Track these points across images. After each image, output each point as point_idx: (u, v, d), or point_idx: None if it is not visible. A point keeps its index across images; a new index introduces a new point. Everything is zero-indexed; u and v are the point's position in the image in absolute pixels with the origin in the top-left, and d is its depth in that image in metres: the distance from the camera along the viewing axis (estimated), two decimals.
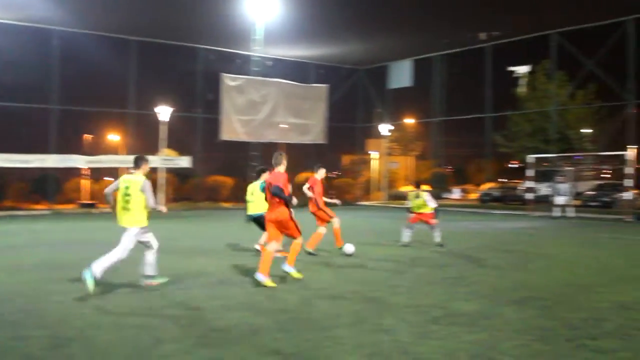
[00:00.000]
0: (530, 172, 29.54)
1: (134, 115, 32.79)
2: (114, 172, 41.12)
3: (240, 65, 34.38)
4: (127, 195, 8.78)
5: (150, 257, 9.12)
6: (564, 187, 26.47)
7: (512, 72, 34.05)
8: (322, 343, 6.13)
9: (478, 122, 35.61)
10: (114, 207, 9.01)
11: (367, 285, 9.37)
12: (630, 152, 26.59)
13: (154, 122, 31.72)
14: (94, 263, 8.49)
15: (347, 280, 9.81)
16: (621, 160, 26.98)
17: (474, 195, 48.10)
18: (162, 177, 31.88)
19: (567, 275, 10.60)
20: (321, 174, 13.50)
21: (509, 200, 38.62)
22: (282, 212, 9.67)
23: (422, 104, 41.86)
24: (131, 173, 9.03)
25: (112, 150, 39.11)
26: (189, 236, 17.70)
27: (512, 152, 38.38)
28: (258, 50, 32.09)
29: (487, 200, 39.32)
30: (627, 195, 26.85)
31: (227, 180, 37.24)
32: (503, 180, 50.34)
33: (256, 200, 12.36)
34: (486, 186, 42.96)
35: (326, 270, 10.89)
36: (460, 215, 25.23)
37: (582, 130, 35.50)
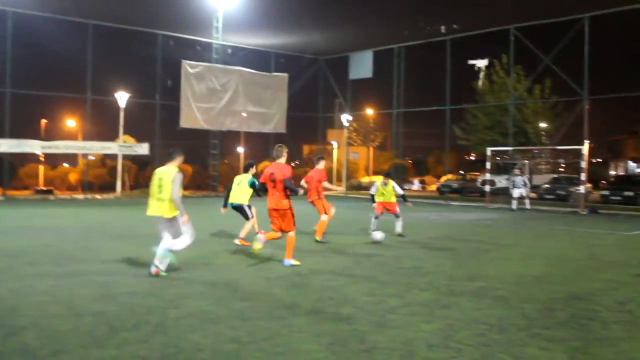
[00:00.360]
0: (488, 165, 29.95)
1: (92, 101, 32.24)
2: (72, 158, 40.50)
3: (200, 52, 34.08)
4: (160, 186, 9.08)
5: (177, 242, 9.20)
6: (521, 179, 26.90)
7: (471, 65, 34.43)
8: (281, 332, 6.13)
9: (438, 115, 35.94)
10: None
11: (325, 275, 9.40)
12: (585, 147, 27.16)
13: (113, 108, 31.27)
14: (164, 252, 8.91)
15: (307, 270, 9.81)
16: (576, 154, 27.53)
17: (433, 187, 48.63)
18: (120, 164, 31.47)
19: (522, 266, 10.78)
20: (322, 165, 14.33)
21: (467, 192, 39.14)
22: (283, 203, 10.26)
23: (382, 95, 42.10)
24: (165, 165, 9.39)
25: (69, 136, 38.48)
26: (147, 223, 17.48)
27: (470, 144, 38.91)
28: (219, 38, 31.87)
29: (446, 192, 39.72)
30: (582, 188, 27.42)
31: (187, 168, 36.95)
32: (462, 172, 50.98)
33: (240, 190, 12.87)
34: (445, 178, 43.48)
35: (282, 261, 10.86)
36: (419, 207, 25.41)
37: (539, 125, 36.11)
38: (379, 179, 15.52)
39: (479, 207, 28.08)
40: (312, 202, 14.36)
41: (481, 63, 33.94)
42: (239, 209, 13.04)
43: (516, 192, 26.58)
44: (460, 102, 36.37)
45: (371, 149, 61.14)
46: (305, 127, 44.46)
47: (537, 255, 12.32)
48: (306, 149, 60.75)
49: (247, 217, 12.96)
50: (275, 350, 5.54)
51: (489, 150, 30.07)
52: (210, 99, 33.10)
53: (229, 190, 13.23)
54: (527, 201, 26.73)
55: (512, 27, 30.10)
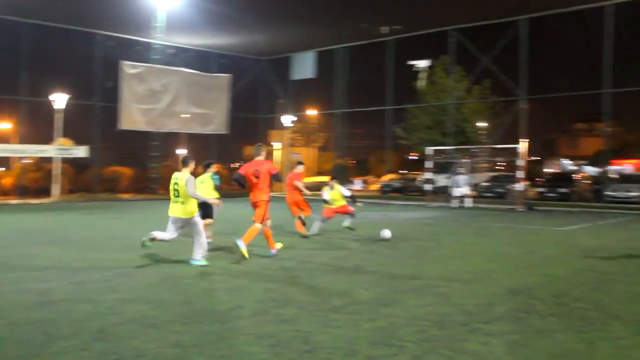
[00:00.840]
0: (428, 164, 30.37)
1: (27, 103, 31.38)
2: (6, 162, 39.28)
3: (140, 52, 33.52)
4: (176, 190, 10.25)
5: (165, 235, 10.46)
6: (463, 178, 27.35)
7: (412, 66, 34.84)
8: (224, 335, 6.09)
9: (379, 115, 36.25)
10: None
11: (267, 276, 9.38)
12: (522, 145, 27.82)
13: (49, 110, 30.47)
14: (193, 254, 10.36)
15: (248, 272, 9.77)
16: (514, 152, 28.17)
17: (375, 187, 48.97)
18: (57, 168, 30.69)
19: (462, 263, 10.97)
20: (300, 169, 15.28)
21: (408, 191, 39.58)
22: (263, 196, 11.14)
23: (324, 95, 42.23)
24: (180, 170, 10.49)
25: (3, 139, 37.35)
26: (85, 228, 17.15)
27: (411, 144, 39.36)
28: (159, 38, 31.41)
29: (387, 191, 40.13)
30: (519, 186, 28.07)
31: (127, 171, 36.29)
32: (403, 171, 51.50)
33: (203, 188, 13.18)
34: (387, 177, 43.87)
35: (226, 262, 10.80)
36: (361, 207, 25.45)
37: (477, 124, 36.80)
38: (326, 186, 15.58)
39: (420, 206, 28.44)
40: (293, 203, 15.22)
41: (422, 64, 34.34)
42: (203, 206, 12.91)
43: (458, 191, 27.01)
44: (402, 102, 36.78)
45: (314, 150, 61.23)
46: (247, 128, 44.21)
47: (476, 252, 12.56)
48: (248, 150, 60.46)
49: (208, 216, 13.30)
50: (218, 354, 5.49)
51: (429, 150, 30.50)
52: (151, 100, 32.58)
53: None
54: (469, 199, 27.16)
55: (452, 28, 30.60)
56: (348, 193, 15.32)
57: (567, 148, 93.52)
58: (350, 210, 15.16)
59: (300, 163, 15.80)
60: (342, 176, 36.46)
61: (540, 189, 34.52)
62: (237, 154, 50.44)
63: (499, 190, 33.22)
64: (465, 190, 27.01)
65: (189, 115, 34.40)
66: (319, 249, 12.75)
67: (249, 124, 42.46)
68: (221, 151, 39.60)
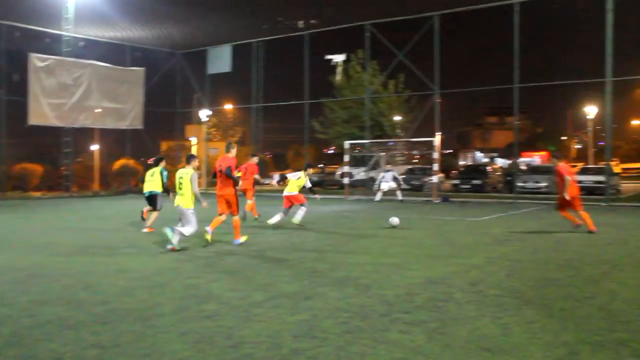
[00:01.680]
0: (346, 158, 30.66)
1: None
2: None
3: (50, 44, 32.27)
4: (180, 184, 11.61)
5: (185, 229, 11.54)
6: (391, 174, 27.68)
7: (329, 60, 35.02)
8: (145, 333, 5.98)
9: (297, 109, 36.29)
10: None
11: (187, 273, 9.27)
12: (437, 138, 28.48)
13: None
14: (174, 235, 11.30)
15: (167, 269, 9.63)
16: (429, 145, 28.79)
17: None
18: None
19: (381, 254, 11.15)
20: (254, 160, 16.89)
21: (327, 184, 39.88)
22: (229, 190, 12.35)
23: (241, 89, 41.87)
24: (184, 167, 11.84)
25: None
26: None
27: (329, 138, 39.61)
28: (69, 30, 30.35)
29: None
30: (435, 178, 28.75)
31: (37, 168, 34.95)
32: (321, 165, 51.85)
33: (153, 181, 15.01)
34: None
35: (145, 259, 10.62)
36: (280, 200, 25.45)
37: (393, 118, 37.38)
38: (301, 173, 16.59)
39: (339, 200, 28.70)
40: (244, 191, 17.03)
41: (338, 58, 34.54)
42: (151, 198, 15.04)
43: (385, 186, 27.36)
44: (319, 96, 36.94)
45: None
46: (163, 123, 43.38)
47: (395, 243, 12.79)
48: (164, 145, 59.39)
49: (155, 207, 15.01)
50: (139, 353, 5.39)
51: (347, 143, 30.80)
52: (62, 94, 31.43)
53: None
54: (398, 193, 27.42)
55: (367, 23, 30.90)
56: (309, 185, 16.50)
57: (479, 141, 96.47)
58: (302, 201, 16.01)
59: (254, 155, 17.68)
60: (260, 171, 36.38)
61: (455, 181, 35.53)
62: (154, 150, 49.42)
63: (415, 182, 33.92)
64: (392, 184, 27.36)
65: (101, 110, 33.42)
66: (240, 243, 12.68)
67: (166, 118, 41.64)
68: (137, 147, 38.69)
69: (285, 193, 16.11)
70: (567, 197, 14.59)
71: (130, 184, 36.48)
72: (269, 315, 6.67)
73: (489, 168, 37.69)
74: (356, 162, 34.60)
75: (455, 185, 34.71)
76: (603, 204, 24.05)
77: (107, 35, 33.18)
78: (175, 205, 11.73)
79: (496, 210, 21.68)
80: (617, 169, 48.05)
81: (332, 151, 68.86)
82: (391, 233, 14.80)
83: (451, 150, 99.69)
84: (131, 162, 37.96)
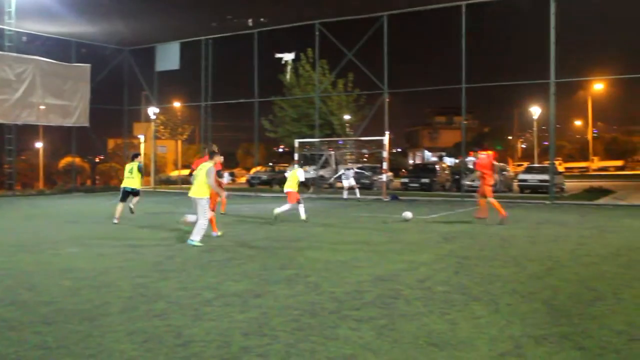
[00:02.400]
0: (296, 156, 30.67)
1: None
2: None
3: None
4: (196, 176, 12.38)
5: (194, 219, 12.36)
6: (351, 172, 27.76)
7: (279, 58, 34.96)
8: (92, 333, 5.88)
9: (247, 107, 36.11)
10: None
11: (135, 272, 9.15)
12: (386, 138, 28.71)
13: None
14: (192, 235, 12.00)
15: (115, 268, 9.49)
16: (378, 144, 29.02)
17: (243, 179, 48.91)
18: None
19: (331, 252, 11.19)
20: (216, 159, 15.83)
21: (276, 183, 39.80)
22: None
23: (190, 87, 41.40)
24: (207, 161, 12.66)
25: None
26: None
27: (278, 136, 39.59)
28: (12, 24, 29.56)
29: (255, 184, 40.19)
30: (384, 177, 28.99)
31: None
32: (271, 164, 51.79)
33: (133, 177, 16.47)
34: (255, 170, 43.92)
35: (92, 259, 10.44)
36: (230, 199, 25.45)
37: (343, 117, 37.55)
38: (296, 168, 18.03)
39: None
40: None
41: (288, 56, 34.49)
42: (133, 192, 16.63)
43: (346, 183, 27.47)
44: (269, 94, 36.85)
45: (179, 143, 60.18)
46: (111, 121, 42.67)
47: (344, 241, 12.87)
48: (111, 143, 58.44)
49: (123, 200, 16.50)
50: (86, 353, 5.30)
51: (296, 142, 30.80)
52: (4, 90, 30.56)
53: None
54: (357, 191, 27.48)
55: (317, 22, 30.95)
56: (302, 179, 17.55)
57: (428, 140, 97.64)
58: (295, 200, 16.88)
59: (215, 154, 17.40)
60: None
61: (404, 180, 35.90)
62: (101, 148, 48.55)
63: (364, 181, 34.14)
64: (352, 182, 27.42)
65: (46, 107, 32.60)
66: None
67: (113, 116, 40.94)
68: (83, 144, 37.97)
69: (288, 189, 17.08)
70: (485, 187, 16.34)
71: (76, 182, 35.78)
72: (219, 313, 6.64)
73: (437, 167, 38.17)
74: (306, 160, 34.66)
75: (404, 183, 35.07)
76: (547, 202, 24.60)
77: (51, 30, 32.39)
78: (190, 195, 12.43)
79: (444, 209, 21.98)
80: (560, 168, 49.23)
81: (281, 150, 68.84)
82: (340, 231, 14.87)
83: (400, 149, 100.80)
84: (77, 160, 37.24)
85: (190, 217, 12.65)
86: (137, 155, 17.13)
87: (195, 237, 11.98)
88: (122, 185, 16.63)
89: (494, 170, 16.46)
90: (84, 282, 8.34)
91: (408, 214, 17.26)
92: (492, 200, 16.37)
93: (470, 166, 34.80)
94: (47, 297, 7.48)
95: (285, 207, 16.78)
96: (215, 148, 13.45)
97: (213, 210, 13.67)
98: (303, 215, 16.93)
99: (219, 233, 13.48)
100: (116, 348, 5.44)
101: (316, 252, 11.29)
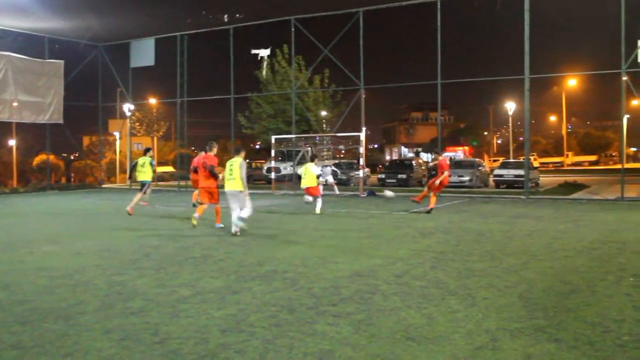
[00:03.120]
0: (273, 153, 30.62)
1: None
2: None
3: None
4: (231, 170, 13.20)
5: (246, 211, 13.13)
6: (329, 169, 27.79)
7: (255, 54, 34.86)
8: (68, 332, 5.83)
9: (223, 103, 35.94)
10: (221, 179, 13.84)
11: (112, 270, 9.08)
12: (363, 133, 28.78)
13: None
14: (238, 221, 12.99)
15: (90, 266, 9.42)
16: (355, 140, 29.07)
17: (220, 176, 48.65)
18: None
19: (308, 248, 11.21)
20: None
21: (253, 180, 39.72)
22: (212, 183, 14.11)
23: (166, 83, 41.12)
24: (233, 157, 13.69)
25: None
26: None
27: (255, 133, 39.51)
28: None
29: None
30: (361, 173, 29.06)
31: None
32: (247, 160, 51.63)
33: (145, 170, 18.33)
34: None
35: (67, 257, 10.35)
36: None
37: (320, 113, 37.58)
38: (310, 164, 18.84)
39: (266, 195, 28.64)
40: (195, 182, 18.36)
41: (264, 52, 34.38)
42: (143, 185, 18.26)
43: (323, 180, 27.52)
44: (245, 91, 36.74)
45: (155, 139, 59.79)
46: (85, 117, 42.26)
47: (319, 237, 12.88)
48: (86, 140, 57.88)
49: (141, 190, 18.15)
50: (62, 352, 5.25)
51: (273, 139, 30.75)
52: None
53: (132, 169, 19.56)
54: (336, 187, 27.48)
55: (292, 18, 30.89)
56: (317, 172, 18.74)
57: (405, 136, 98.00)
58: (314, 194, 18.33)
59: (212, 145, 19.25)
60: (186, 166, 35.86)
61: (381, 175, 36.01)
62: (76, 145, 48.08)
63: (341, 177, 34.17)
64: (331, 179, 27.43)
65: (18, 104, 32.15)
66: (165, 239, 12.54)
67: (87, 113, 40.56)
68: (58, 141, 37.56)
69: (303, 186, 18.55)
70: (437, 183, 18.07)
71: (50, 180, 35.39)
72: (196, 310, 6.61)
73: (414, 162, 38.33)
74: (283, 157, 34.63)
75: (381, 179, 35.18)
76: (523, 197, 24.83)
77: (24, 25, 31.92)
78: (227, 190, 13.15)
79: (421, 204, 22.07)
80: (535, 163, 49.70)
81: (258, 146, 68.65)
82: (318, 226, 14.88)
83: (377, 145, 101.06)
84: (51, 158, 36.83)
85: (245, 212, 13.21)
86: (148, 150, 19.48)
87: (245, 215, 13.08)
88: (139, 179, 18.48)
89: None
90: (59, 281, 8.27)
91: (389, 193, 18.26)
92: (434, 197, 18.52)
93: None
94: (21, 296, 7.40)
95: (319, 202, 18.26)
96: (215, 145, 14.49)
97: (202, 204, 14.46)
98: (317, 209, 18.13)
99: (221, 225, 14.39)
100: (93, 346, 5.40)
101: (293, 248, 11.29)
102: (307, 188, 18.39)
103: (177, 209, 20.73)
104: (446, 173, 18.14)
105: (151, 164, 18.55)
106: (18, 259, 10.09)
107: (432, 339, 5.57)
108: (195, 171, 15.86)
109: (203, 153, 14.90)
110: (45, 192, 32.31)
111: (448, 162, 18.96)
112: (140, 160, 18.65)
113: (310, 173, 18.29)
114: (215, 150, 14.42)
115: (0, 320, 6.26)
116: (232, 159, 13.45)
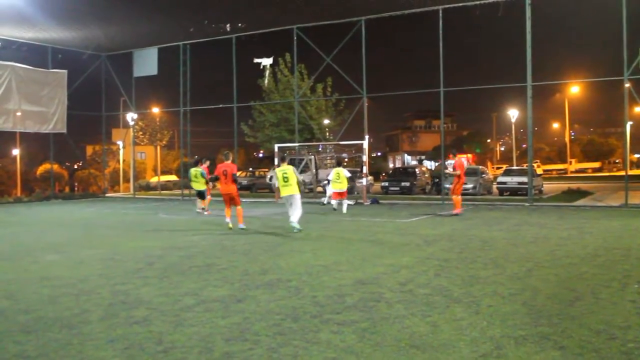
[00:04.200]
0: (276, 161, 30.60)
1: None
2: None
3: None
4: (286, 178, 15.03)
5: (297, 213, 15.20)
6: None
7: (257, 63, 34.93)
8: (72, 341, 5.83)
9: (226, 112, 35.99)
10: (276, 187, 16.79)
11: (115, 279, 9.09)
12: (366, 141, 28.79)
13: None
14: (293, 222, 15.12)
15: (94, 275, 9.42)
16: (358, 148, 29.07)
17: None
18: None
19: (312, 257, 11.19)
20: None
21: (257, 188, 39.74)
22: (233, 188, 15.80)
23: (169, 92, 41.30)
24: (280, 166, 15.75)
25: None
26: None
27: (258, 141, 39.56)
28: None
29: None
30: (364, 181, 29.05)
31: None
32: (251, 169, 51.69)
33: (199, 182, 20.70)
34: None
35: (71, 266, 10.35)
36: (211, 205, 25.37)
37: (322, 121, 37.61)
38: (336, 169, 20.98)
39: (269, 203, 28.65)
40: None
41: (266, 61, 34.44)
42: (200, 193, 21.21)
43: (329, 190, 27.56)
44: (248, 99, 36.80)
45: (158, 148, 59.84)
46: (89, 127, 42.37)
47: (325, 245, 12.86)
48: (89, 149, 57.95)
49: (203, 197, 21.17)
50: None
51: (276, 147, 30.77)
52: None
53: (190, 180, 21.76)
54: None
55: (295, 27, 30.96)
56: (348, 175, 21.21)
57: (408, 144, 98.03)
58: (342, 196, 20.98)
59: (205, 160, 22.10)
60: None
61: (384, 183, 35.99)
62: (79, 154, 48.14)
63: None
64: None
65: (22, 113, 32.22)
66: (169, 247, 12.54)
67: (91, 122, 40.65)
68: (61, 151, 37.60)
69: (337, 190, 20.95)
70: (456, 186, 19.70)
71: (54, 189, 35.45)
72: (200, 319, 6.61)
73: (417, 170, 38.31)
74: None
75: (384, 187, 35.16)
76: (526, 204, 24.79)
77: (27, 36, 32.06)
78: (284, 195, 15.25)
79: (424, 212, 22.05)
80: (538, 170, 49.65)
81: (261, 155, 68.72)
82: (321, 234, 14.87)
83: (380, 153, 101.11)
84: (55, 167, 36.90)
85: (294, 217, 15.20)
86: (200, 160, 21.48)
87: (294, 219, 15.16)
88: (195, 189, 21.61)
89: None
90: (63, 290, 8.27)
91: (364, 181, 19.88)
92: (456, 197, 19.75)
93: (450, 169, 35.06)
94: (25, 305, 7.41)
95: (345, 203, 20.69)
96: (230, 154, 16.28)
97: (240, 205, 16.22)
98: (345, 210, 20.47)
99: (244, 225, 15.88)
100: (97, 356, 5.40)
101: (297, 256, 11.28)
102: (340, 192, 20.48)
103: (180, 217, 20.74)
104: (458, 172, 19.56)
105: (202, 174, 20.51)
106: (22, 268, 10.11)
107: (436, 347, 5.56)
108: (216, 179, 16.99)
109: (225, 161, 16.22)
110: (49, 201, 32.36)
111: (465, 163, 20.47)
112: (192, 172, 20.87)
113: (344, 177, 19.58)
114: (231, 158, 16.01)
115: (4, 330, 6.27)
116: (283, 167, 15.18)
